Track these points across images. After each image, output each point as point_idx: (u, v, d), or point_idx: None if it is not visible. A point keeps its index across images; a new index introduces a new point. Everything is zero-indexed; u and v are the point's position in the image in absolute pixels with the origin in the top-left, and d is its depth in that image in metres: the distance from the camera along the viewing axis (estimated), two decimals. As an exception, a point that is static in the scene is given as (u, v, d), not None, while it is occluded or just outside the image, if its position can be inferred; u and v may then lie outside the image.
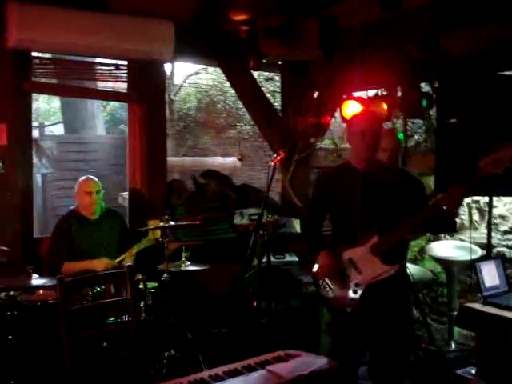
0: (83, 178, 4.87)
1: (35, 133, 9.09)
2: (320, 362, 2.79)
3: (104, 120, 11.97)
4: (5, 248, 4.23)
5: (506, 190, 4.37)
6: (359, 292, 3.34)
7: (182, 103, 9.25)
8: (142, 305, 4.20)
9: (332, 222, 3.60)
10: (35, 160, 9.06)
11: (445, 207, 3.10)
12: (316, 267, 3.51)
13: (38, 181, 9.12)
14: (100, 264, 4.48)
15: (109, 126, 12.09)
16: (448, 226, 3.66)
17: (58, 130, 11.96)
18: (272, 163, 3.97)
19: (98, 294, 4.05)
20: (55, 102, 13.33)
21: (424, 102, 5.00)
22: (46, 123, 12.13)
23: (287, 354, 2.91)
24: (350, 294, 3.36)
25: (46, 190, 9.28)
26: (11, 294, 4.03)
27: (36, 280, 4.07)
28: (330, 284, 3.44)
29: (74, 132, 10.59)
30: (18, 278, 4.17)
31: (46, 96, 13.03)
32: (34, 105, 15.39)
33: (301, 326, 4.90)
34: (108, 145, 9.82)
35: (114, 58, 5.39)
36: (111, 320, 4.02)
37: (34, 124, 10.34)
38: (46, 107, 15.40)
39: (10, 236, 4.72)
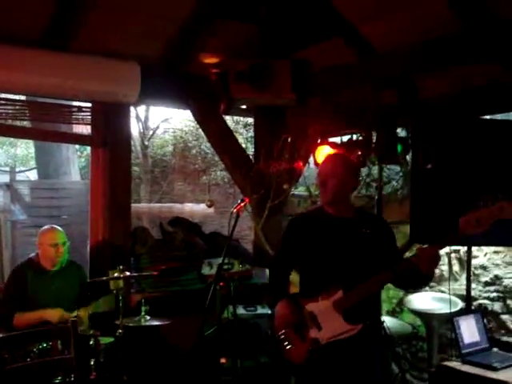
0: (47, 227, 4.67)
1: (5, 178, 8.88)
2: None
3: (81, 166, 11.78)
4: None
5: (485, 240, 4.17)
6: (317, 349, 3.06)
7: (156, 148, 9.09)
8: (92, 363, 3.88)
9: (300, 271, 3.34)
10: (7, 206, 8.82)
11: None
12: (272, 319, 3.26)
13: (8, 228, 8.84)
14: (54, 314, 4.23)
15: (85, 172, 11.88)
16: (422, 284, 3.42)
17: (34, 175, 11.77)
18: (235, 209, 3.72)
19: (44, 351, 3.73)
20: (31, 148, 13.20)
21: (399, 147, 4.85)
22: (23, 168, 11.95)
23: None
24: (306, 352, 3.08)
25: (16, 237, 8.98)
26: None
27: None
28: (287, 337, 3.16)
29: (47, 177, 10.36)
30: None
31: (24, 141, 12.91)
32: (12, 150, 15.29)
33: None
34: (82, 191, 9.56)
35: (78, 100, 5.21)
36: (58, 380, 3.70)
37: (5, 169, 10.15)
38: (24, 152, 15.30)
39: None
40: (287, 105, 5.33)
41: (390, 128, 4.99)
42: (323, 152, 5.12)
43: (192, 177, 8.89)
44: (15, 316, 4.24)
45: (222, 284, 4.11)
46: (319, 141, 5.32)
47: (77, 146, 10.66)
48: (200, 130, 8.63)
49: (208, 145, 8.68)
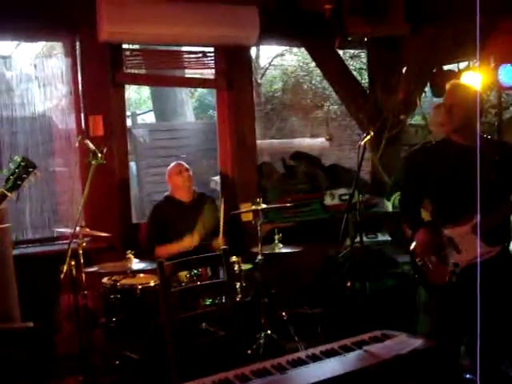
0: (173, 164, 5.03)
1: (128, 122, 9.35)
2: (417, 341, 2.76)
3: (193, 106, 12.18)
4: (105, 234, 4.41)
5: None
6: (458, 272, 3.26)
7: (267, 86, 9.28)
8: (237, 286, 4.28)
9: (431, 200, 3.48)
10: (129, 148, 9.37)
11: None
12: (413, 245, 3.44)
13: (133, 168, 9.42)
14: (189, 241, 4.61)
15: (198, 112, 12.30)
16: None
17: (149, 118, 12.29)
18: (361, 142, 3.92)
19: (195, 277, 4.16)
20: (145, 91, 13.70)
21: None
22: (138, 112, 12.49)
23: (384, 334, 2.89)
24: (448, 273, 3.28)
25: (141, 177, 9.57)
26: (113, 278, 4.21)
27: (136, 264, 4.24)
28: (427, 262, 3.37)
29: (164, 119, 10.84)
30: (119, 263, 4.35)
31: (136, 86, 13.40)
32: (126, 95, 15.92)
33: (396, 306, 4.84)
34: (198, 131, 9.99)
35: (201, 46, 5.47)
36: (208, 302, 4.13)
37: (127, 113, 10.68)
38: (136, 97, 15.86)
39: (109, 222, 4.92)
40: (402, 34, 5.36)
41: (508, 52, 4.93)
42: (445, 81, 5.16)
43: (305, 112, 9.06)
44: (156, 249, 4.66)
45: (355, 212, 4.32)
46: (435, 70, 5.35)
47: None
48: (310, 65, 8.79)
49: (319, 79, 8.80)
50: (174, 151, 9.67)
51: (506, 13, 4.77)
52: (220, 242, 4.50)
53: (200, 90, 12.26)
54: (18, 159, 2.87)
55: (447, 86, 3.60)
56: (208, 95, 11.94)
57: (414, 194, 3.55)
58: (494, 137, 4.92)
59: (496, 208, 3.16)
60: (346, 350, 2.74)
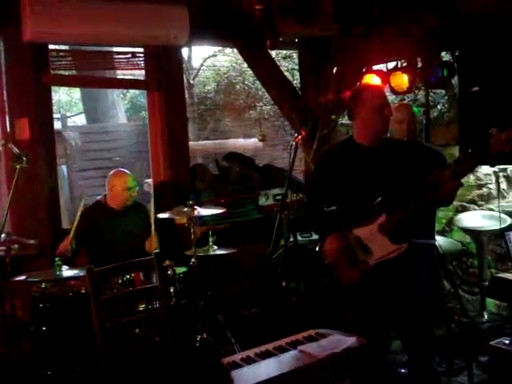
0: (118, 171, 4.87)
1: (58, 124, 9.14)
2: (350, 340, 2.79)
3: (125, 108, 12.01)
4: (33, 241, 4.27)
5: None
6: (367, 270, 3.31)
7: (200, 87, 9.23)
8: (171, 290, 4.22)
9: (337, 202, 3.53)
10: (60, 151, 9.15)
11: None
12: (320, 247, 3.51)
13: (64, 171, 9.21)
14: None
15: (130, 114, 12.13)
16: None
17: (81, 120, 12.04)
18: (293, 142, 3.94)
19: (127, 282, 4.08)
20: (76, 93, 13.42)
21: (444, 72, 4.92)
22: (68, 114, 12.22)
23: (318, 333, 2.91)
24: (359, 273, 3.34)
25: (72, 180, 9.37)
26: (43, 286, 4.08)
27: (66, 271, 4.11)
28: (339, 263, 3.42)
29: (95, 121, 10.65)
30: (48, 271, 4.21)
31: (67, 88, 13.10)
32: (55, 97, 15.55)
33: (330, 304, 4.90)
34: (130, 132, 9.86)
35: (131, 46, 5.39)
36: (142, 307, 4.05)
37: (56, 116, 10.44)
38: (67, 99, 15.52)
39: (38, 228, 4.77)
40: (332, 34, 5.41)
41: (434, 52, 5.06)
42: (370, 80, 5.25)
43: (238, 112, 9.06)
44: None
45: (286, 213, 4.34)
46: (365, 69, 5.43)
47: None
48: (242, 65, 8.78)
49: (251, 80, 8.81)
50: (106, 153, 9.51)
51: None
52: (153, 244, 4.43)
53: (132, 92, 12.09)
54: None
55: (367, 86, 3.66)
56: (140, 96, 11.78)
57: (321, 198, 3.61)
58: (421, 135, 5.04)
59: (399, 207, 3.20)
60: (281, 350, 2.74)
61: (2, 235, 3.96)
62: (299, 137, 4.01)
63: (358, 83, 5.40)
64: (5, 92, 4.84)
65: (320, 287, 5.05)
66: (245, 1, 5.40)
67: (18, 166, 3.98)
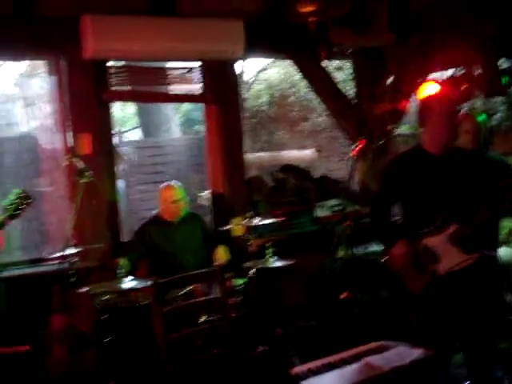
0: (165, 185, 4.91)
1: (114, 140, 9.31)
2: (417, 352, 2.74)
3: (179, 122, 12.16)
4: (97, 246, 4.36)
5: None
6: (436, 281, 3.25)
7: (253, 100, 9.29)
8: (232, 302, 4.23)
9: (404, 209, 3.50)
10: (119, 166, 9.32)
11: None
12: (388, 257, 3.44)
13: (121, 186, 9.37)
14: None
15: (184, 128, 12.28)
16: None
17: (135, 136, 12.25)
18: (352, 153, 3.92)
19: (188, 294, 4.11)
20: (129, 109, 13.68)
21: (503, 79, 4.84)
22: (123, 129, 12.44)
23: (382, 345, 2.87)
24: (426, 283, 3.28)
25: (128, 194, 9.52)
26: (106, 297, 4.15)
27: (128, 283, 4.18)
28: (408, 272, 3.36)
29: (150, 136, 10.82)
30: (110, 282, 4.29)
31: (120, 103, 13.36)
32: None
33: (391, 317, 4.83)
34: (184, 146, 9.96)
35: (187, 61, 5.46)
36: (203, 319, 4.08)
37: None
38: (120, 114, 15.81)
39: (101, 241, 4.87)
40: (387, 44, 5.40)
41: (493, 60, 4.98)
42: (426, 89, 5.18)
43: (291, 124, 9.08)
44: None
45: (347, 223, 4.31)
46: (421, 79, 5.38)
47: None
48: (294, 77, 8.81)
49: (304, 91, 8.82)
50: (161, 167, 9.64)
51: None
52: (222, 255, 4.52)
53: (185, 106, 12.23)
54: (18, 191, 3.12)
55: (433, 95, 3.62)
56: (193, 110, 11.92)
57: (387, 202, 3.57)
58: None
59: (471, 216, 3.15)
60: (346, 362, 2.72)
61: (67, 248, 4.05)
62: (358, 147, 3.99)
63: (415, 92, 5.36)
64: (67, 108, 4.96)
65: (381, 300, 5.00)
66: (299, 13, 5.42)
67: (81, 181, 4.08)
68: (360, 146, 4.03)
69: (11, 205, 3.06)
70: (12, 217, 3.08)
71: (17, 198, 3.06)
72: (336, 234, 4.01)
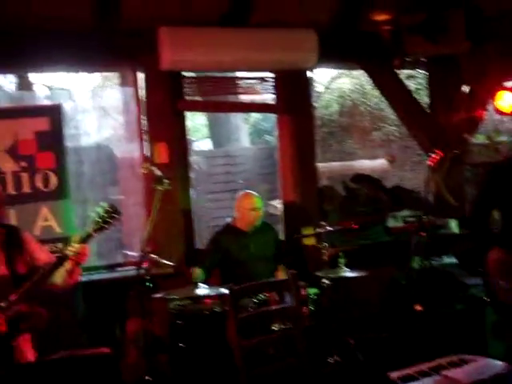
0: (244, 193, 4.96)
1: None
2: (498, 366, 2.68)
3: (248, 132, 12.26)
4: (171, 263, 4.43)
5: None
6: None
7: (323, 109, 9.28)
8: (305, 311, 4.23)
9: (504, 218, 3.43)
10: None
11: None
12: (487, 263, 3.36)
13: (193, 195, 9.50)
14: None
15: (253, 138, 12.38)
16: None
17: (204, 145, 12.43)
18: (430, 163, 3.86)
19: (262, 302, 4.14)
20: (198, 119, 13.91)
21: None
22: (193, 139, 12.65)
23: (461, 358, 2.82)
24: None
25: (199, 203, 9.65)
26: (180, 303, 4.23)
27: (202, 290, 4.24)
28: (501, 282, 3.28)
29: (220, 146, 10.95)
30: (185, 289, 4.36)
31: (190, 113, 13.56)
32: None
33: (465, 330, 4.71)
34: (254, 156, 10.02)
35: (260, 71, 5.51)
36: (275, 327, 4.09)
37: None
38: (191, 124, 16.05)
39: (174, 248, 4.96)
40: (462, 52, 5.31)
41: None
42: (504, 97, 5.06)
43: (362, 134, 9.02)
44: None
45: (422, 234, 4.24)
46: (498, 86, 5.25)
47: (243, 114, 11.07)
48: (365, 87, 8.76)
49: (374, 101, 8.76)
50: (231, 176, 9.73)
51: None
52: (281, 275, 4.49)
53: (254, 116, 12.34)
54: (105, 205, 3.10)
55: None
56: (262, 120, 12.01)
57: (486, 210, 3.51)
58: None
59: None
60: (424, 375, 2.68)
61: (144, 254, 4.14)
62: (436, 157, 3.92)
63: (491, 101, 5.25)
64: (144, 118, 5.08)
65: (456, 313, 4.88)
66: (373, 21, 5.40)
67: (159, 188, 4.17)
68: (437, 156, 3.95)
69: (100, 217, 3.05)
70: (100, 230, 3.06)
71: (105, 212, 3.06)
72: (411, 244, 3.93)
